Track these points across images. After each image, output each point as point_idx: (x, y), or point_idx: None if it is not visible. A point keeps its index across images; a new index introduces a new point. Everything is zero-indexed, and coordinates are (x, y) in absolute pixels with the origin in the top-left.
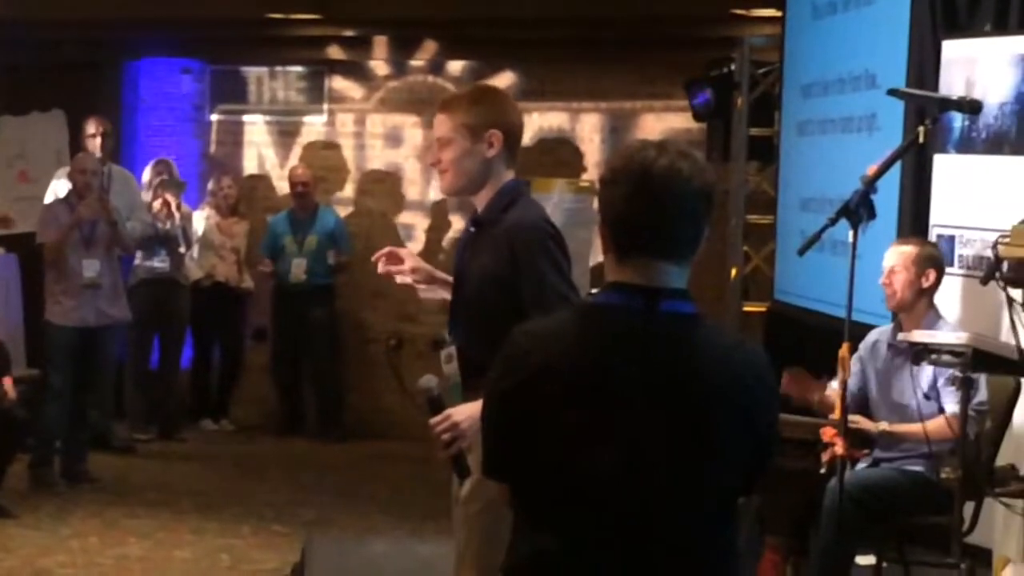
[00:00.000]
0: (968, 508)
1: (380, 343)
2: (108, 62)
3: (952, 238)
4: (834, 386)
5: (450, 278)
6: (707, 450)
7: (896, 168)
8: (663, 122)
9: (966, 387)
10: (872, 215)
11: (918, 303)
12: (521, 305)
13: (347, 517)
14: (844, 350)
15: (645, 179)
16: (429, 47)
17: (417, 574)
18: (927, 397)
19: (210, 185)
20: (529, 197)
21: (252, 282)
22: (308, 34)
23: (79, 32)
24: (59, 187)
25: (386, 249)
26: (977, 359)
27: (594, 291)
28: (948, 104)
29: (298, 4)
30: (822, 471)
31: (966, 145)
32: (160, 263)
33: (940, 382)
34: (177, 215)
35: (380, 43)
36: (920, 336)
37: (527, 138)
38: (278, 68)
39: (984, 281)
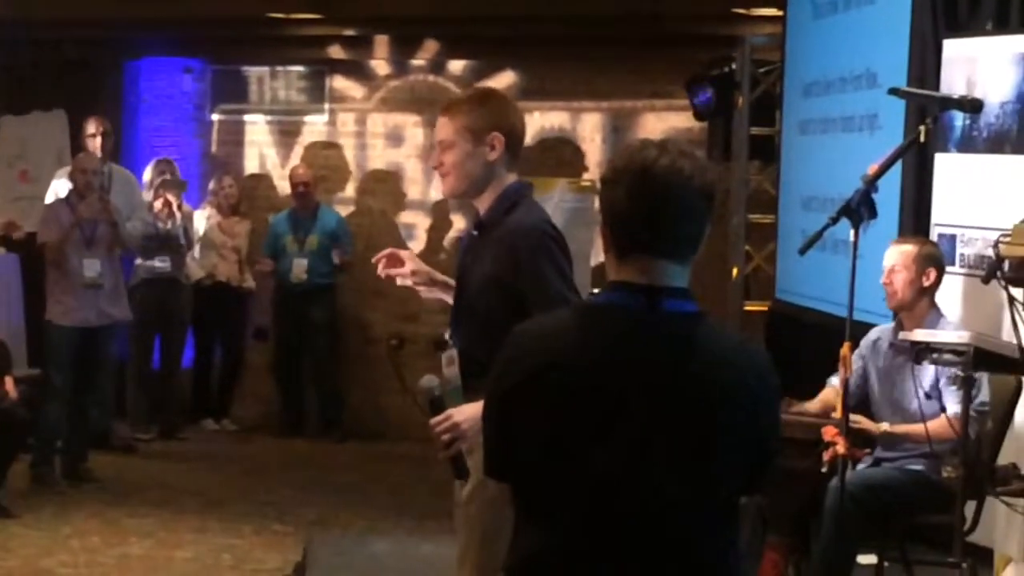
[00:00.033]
0: (970, 507)
1: (381, 343)
2: (109, 62)
3: (953, 237)
4: (834, 382)
5: (450, 280)
6: (709, 450)
7: (897, 167)
8: (664, 121)
9: (967, 386)
10: (873, 214)
11: (919, 302)
12: (523, 308)
13: (348, 516)
14: (845, 349)
15: (646, 178)
16: (430, 46)
17: (418, 573)
18: (928, 396)
19: (211, 185)
20: (532, 199)
21: (253, 282)
22: (309, 33)
23: (80, 32)
24: (60, 187)
25: (387, 251)
26: (978, 358)
27: (595, 291)
28: (949, 103)
29: (299, 3)
30: (824, 470)
31: (967, 144)
32: (161, 263)
33: (942, 382)
34: (178, 215)
35: (381, 42)
36: (921, 335)
37: (528, 138)
38: (279, 68)
39: (985, 280)
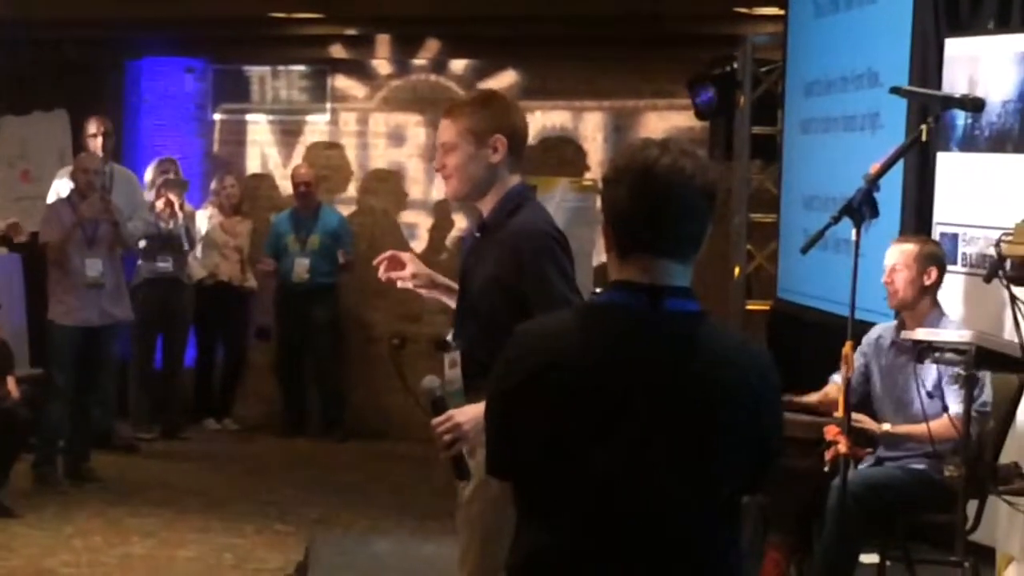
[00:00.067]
0: (972, 506)
1: (383, 342)
2: (111, 62)
3: (955, 236)
4: (836, 380)
5: (452, 283)
6: (710, 449)
7: (899, 166)
8: (666, 121)
9: (969, 385)
10: (875, 213)
11: (920, 301)
12: (526, 310)
13: (350, 516)
14: (847, 348)
15: (648, 178)
16: (432, 46)
17: (420, 573)
18: (931, 396)
19: (213, 184)
20: (535, 201)
21: (255, 281)
22: (311, 33)
23: (82, 32)
24: (61, 187)
25: (387, 253)
26: (980, 357)
27: (597, 291)
28: (951, 102)
29: (301, 3)
30: (825, 470)
31: (969, 143)
32: (163, 263)
33: (944, 381)
34: (180, 214)
35: (383, 42)
36: (923, 334)
37: (529, 137)
38: (281, 67)
39: (987, 279)
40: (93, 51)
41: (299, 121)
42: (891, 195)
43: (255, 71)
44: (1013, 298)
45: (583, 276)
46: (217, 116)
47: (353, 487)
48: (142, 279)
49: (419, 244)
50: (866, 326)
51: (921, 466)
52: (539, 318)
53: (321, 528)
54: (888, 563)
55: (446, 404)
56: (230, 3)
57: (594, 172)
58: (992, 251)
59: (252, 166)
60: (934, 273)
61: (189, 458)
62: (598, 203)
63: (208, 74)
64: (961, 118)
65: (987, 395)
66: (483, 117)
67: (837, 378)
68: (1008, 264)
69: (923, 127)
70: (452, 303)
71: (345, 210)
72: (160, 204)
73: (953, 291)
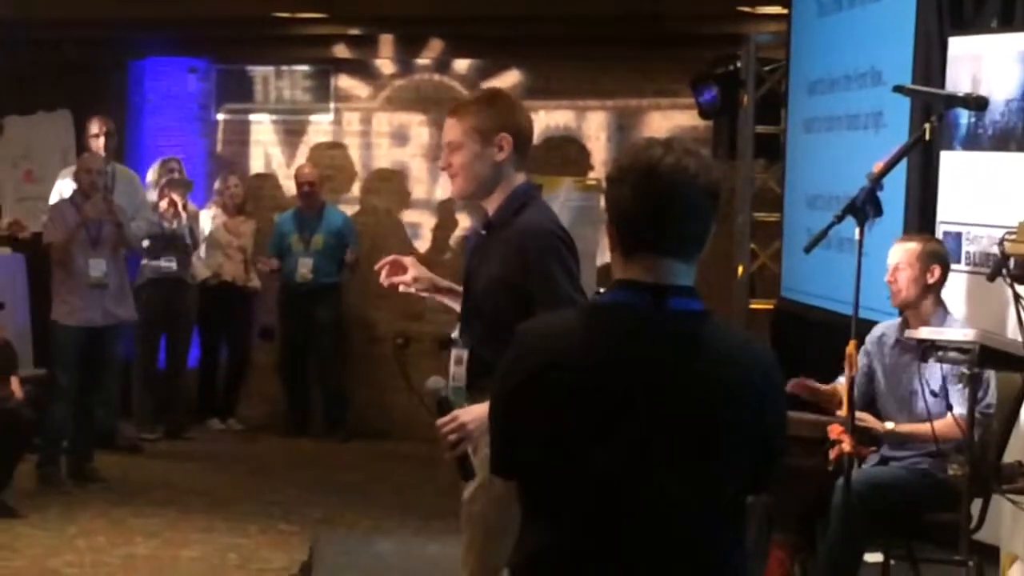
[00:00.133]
0: (976, 505)
1: (386, 342)
2: (114, 62)
3: (959, 235)
4: (842, 381)
5: (454, 285)
6: (713, 449)
7: (902, 165)
8: (669, 120)
9: (973, 384)
10: (879, 212)
11: (924, 300)
12: (531, 309)
13: (354, 516)
14: (851, 347)
15: (651, 177)
16: (435, 46)
17: (423, 572)
18: (934, 394)
19: (216, 184)
20: (540, 200)
21: (259, 281)
22: (314, 33)
23: (85, 32)
24: (64, 187)
25: (389, 258)
26: (984, 356)
27: (601, 290)
28: (954, 101)
29: (304, 3)
30: (829, 469)
31: (972, 142)
32: (167, 263)
33: (948, 380)
34: (184, 214)
35: (386, 42)
36: (927, 333)
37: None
38: (284, 67)
39: (991, 277)
40: (94, 51)
41: (302, 121)
42: (894, 194)
43: (258, 71)
44: (1017, 297)
45: (587, 276)
46: (220, 116)
47: (357, 487)
48: (146, 279)
49: (422, 244)
50: (870, 325)
51: (925, 465)
52: (543, 317)
53: (325, 528)
54: (892, 562)
55: (451, 404)
56: (233, 3)
57: (598, 172)
58: (996, 250)
59: (256, 166)
60: (937, 272)
61: (193, 458)
62: (602, 202)
63: (211, 74)
64: (964, 117)
65: (991, 397)
66: (488, 116)
67: (843, 380)
68: (1012, 262)
69: (926, 126)
70: (455, 305)
71: (348, 210)
72: (164, 204)
73: (956, 290)
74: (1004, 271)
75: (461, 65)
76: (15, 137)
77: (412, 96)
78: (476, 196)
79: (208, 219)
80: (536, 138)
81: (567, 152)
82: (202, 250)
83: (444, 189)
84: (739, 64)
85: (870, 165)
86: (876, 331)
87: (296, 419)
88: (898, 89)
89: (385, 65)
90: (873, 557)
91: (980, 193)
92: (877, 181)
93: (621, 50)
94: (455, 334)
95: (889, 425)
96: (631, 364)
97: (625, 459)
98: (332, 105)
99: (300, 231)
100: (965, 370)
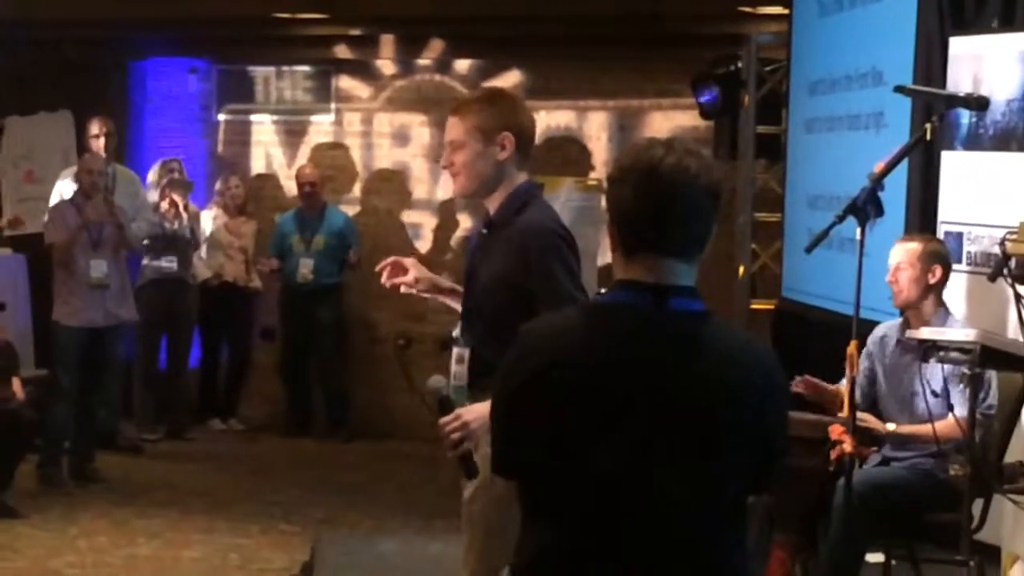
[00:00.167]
0: (977, 506)
1: (388, 342)
2: (115, 62)
3: (960, 235)
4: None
5: (455, 286)
6: (714, 449)
7: (903, 165)
8: (670, 120)
9: (974, 384)
10: (880, 212)
11: (925, 300)
12: (532, 308)
13: (356, 516)
14: (852, 347)
15: (653, 177)
16: (436, 46)
17: (425, 572)
18: (935, 395)
19: (218, 185)
20: (542, 199)
21: (260, 282)
22: (315, 33)
23: (86, 32)
24: (64, 188)
25: (390, 259)
26: (985, 356)
27: (602, 291)
28: (955, 101)
29: (305, 3)
30: (831, 469)
31: (973, 142)
32: (168, 263)
33: (949, 381)
34: (185, 215)
35: (387, 42)
36: (928, 333)
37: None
38: (285, 68)
39: (992, 277)
40: (95, 51)
41: (303, 121)
42: (895, 194)
43: (259, 71)
44: (1018, 297)
45: (588, 276)
46: (221, 116)
47: (358, 487)
48: (147, 280)
49: (423, 244)
50: (871, 325)
51: (926, 466)
52: (545, 317)
53: (326, 528)
54: (893, 562)
55: (452, 403)
56: (234, 3)
57: (599, 172)
58: (997, 250)
59: (256, 166)
60: (938, 272)
61: (194, 459)
62: (603, 203)
63: (212, 75)
64: (965, 117)
65: (992, 397)
66: (491, 115)
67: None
68: (1013, 262)
69: (927, 126)
70: (456, 306)
71: (349, 210)
72: (164, 205)
73: (957, 290)
74: (1005, 271)
75: (462, 65)
76: (16, 137)
77: (413, 96)
78: (478, 195)
79: (209, 219)
80: (537, 138)
81: (568, 152)
82: (203, 251)
83: (445, 189)
84: (740, 64)
85: (871, 165)
86: (878, 332)
87: (297, 419)
88: (899, 89)
89: (386, 65)
90: (874, 557)
91: (981, 193)
92: (878, 181)
93: (622, 50)
94: (456, 332)
95: (890, 426)
96: (632, 364)
97: (626, 459)
98: (333, 105)
99: (301, 231)
100: (966, 370)
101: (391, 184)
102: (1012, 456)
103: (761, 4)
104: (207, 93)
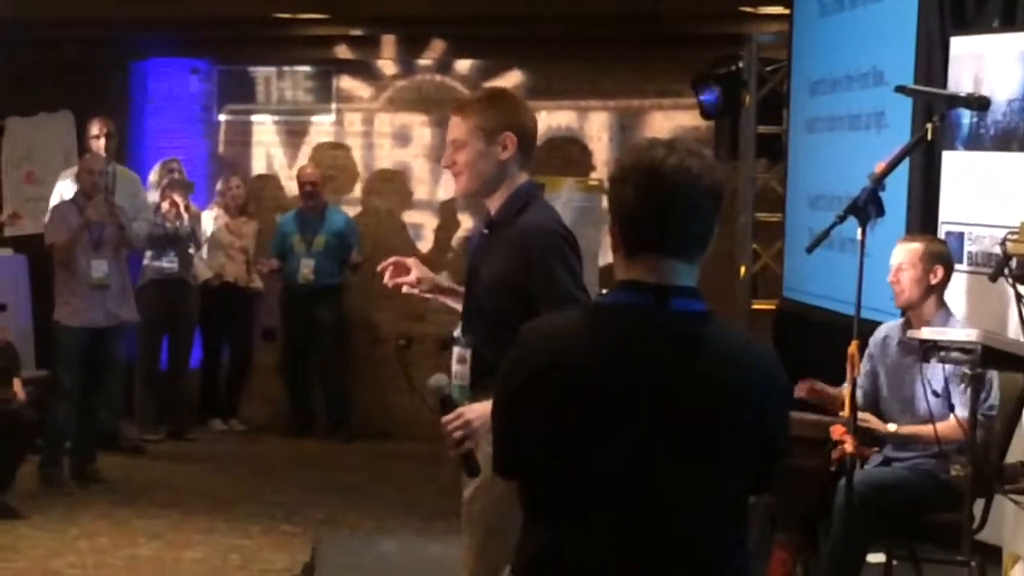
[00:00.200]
0: (978, 506)
1: (389, 343)
2: (115, 63)
3: (961, 235)
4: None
5: (456, 286)
6: (715, 449)
7: (904, 165)
8: (671, 120)
9: (976, 384)
10: (881, 212)
11: (927, 300)
12: (533, 308)
13: (357, 516)
14: (853, 347)
15: (654, 177)
16: (437, 46)
17: (426, 573)
18: (936, 395)
19: (218, 185)
20: (543, 200)
21: (261, 282)
22: (316, 33)
23: (86, 33)
24: (64, 188)
25: (392, 259)
26: (987, 356)
27: (604, 292)
28: (956, 101)
29: (306, 3)
30: (832, 469)
31: (974, 142)
32: (169, 263)
33: (951, 382)
34: (186, 215)
35: (388, 42)
36: (929, 333)
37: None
38: (286, 68)
39: (993, 278)
40: (96, 52)
41: (304, 122)
42: (896, 194)
43: (260, 72)
44: (1019, 296)
45: (589, 276)
46: (222, 117)
47: (359, 487)
48: (148, 280)
49: (424, 244)
50: (872, 325)
51: (928, 466)
52: (546, 317)
53: (327, 528)
54: (895, 562)
55: (454, 402)
56: (234, 4)
57: (600, 172)
58: (998, 250)
59: (257, 167)
60: (940, 272)
61: (195, 459)
62: (604, 203)
63: (213, 75)
64: (966, 117)
65: (994, 398)
66: (493, 115)
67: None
68: (1014, 262)
69: (928, 126)
70: (457, 306)
71: (350, 210)
72: (165, 205)
73: (958, 290)
74: (1006, 271)
75: (463, 65)
76: (16, 138)
77: (414, 97)
78: (479, 195)
79: (210, 220)
80: (538, 138)
81: (569, 152)
82: (204, 251)
83: (446, 190)
84: (741, 64)
85: (872, 165)
86: (879, 333)
87: (298, 420)
88: (900, 89)
89: (387, 66)
90: (875, 557)
91: (982, 193)
92: (879, 181)
93: (622, 50)
94: (457, 333)
95: (891, 426)
96: (633, 364)
97: (627, 459)
98: (334, 106)
99: (302, 232)
100: (967, 370)
101: (392, 184)
102: (1013, 456)
103: (762, 4)
104: (208, 93)
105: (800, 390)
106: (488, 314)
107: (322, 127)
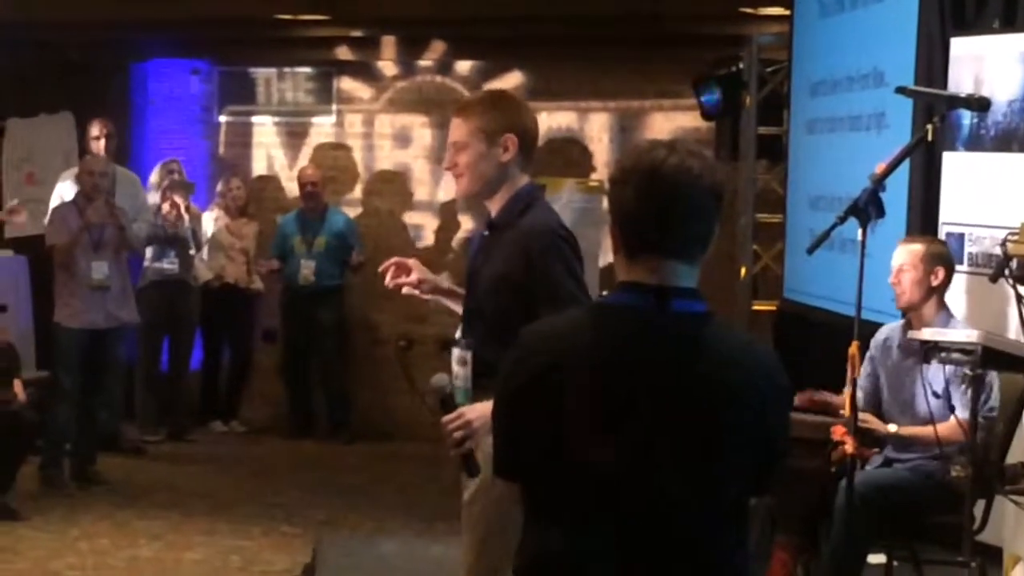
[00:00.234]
0: (979, 507)
1: (389, 344)
2: (116, 64)
3: (961, 235)
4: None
5: (457, 288)
6: (715, 450)
7: (905, 166)
8: (671, 121)
9: (976, 384)
10: (881, 213)
11: (928, 302)
12: (533, 309)
13: (357, 517)
14: (854, 349)
15: (655, 178)
16: (437, 47)
17: (426, 574)
18: (936, 395)
19: (219, 186)
20: (544, 201)
21: (261, 283)
22: (316, 35)
23: (87, 34)
24: (64, 190)
25: (393, 260)
26: (987, 357)
27: (604, 293)
28: (956, 101)
29: (306, 5)
30: (833, 470)
31: (975, 142)
32: (169, 265)
33: (951, 383)
34: (186, 217)
35: (388, 43)
36: (930, 334)
37: None
38: (286, 69)
39: (993, 278)
40: (96, 53)
41: (305, 123)
42: (897, 195)
43: (260, 73)
44: (1019, 297)
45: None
46: (223, 118)
47: (359, 488)
48: (148, 281)
49: (425, 245)
50: (872, 326)
51: (929, 467)
52: (547, 318)
53: (328, 530)
54: (895, 563)
55: (455, 402)
56: (235, 5)
57: (600, 173)
58: (998, 251)
59: (258, 168)
60: (941, 273)
61: (195, 460)
62: (604, 204)
63: (213, 76)
64: (967, 117)
65: (994, 399)
66: (494, 116)
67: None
68: (1014, 263)
69: (929, 127)
70: (457, 308)
71: (351, 211)
72: (166, 207)
73: (958, 291)
74: (1006, 272)
75: (463, 66)
76: (17, 139)
77: (414, 98)
78: (481, 196)
79: (210, 221)
80: (538, 139)
81: (569, 153)
82: (204, 252)
83: (446, 191)
84: (741, 65)
85: (872, 166)
86: (880, 335)
87: (299, 421)
88: (900, 90)
89: (387, 67)
90: (876, 558)
91: (982, 194)
92: (879, 182)
93: (623, 51)
94: (457, 334)
95: (892, 427)
96: (634, 365)
97: (628, 460)
98: (334, 107)
99: (303, 233)
100: (968, 371)
101: (392, 185)
102: (1014, 457)
103: (762, 5)
104: (208, 94)
105: (801, 402)
106: (489, 316)
107: (323, 128)
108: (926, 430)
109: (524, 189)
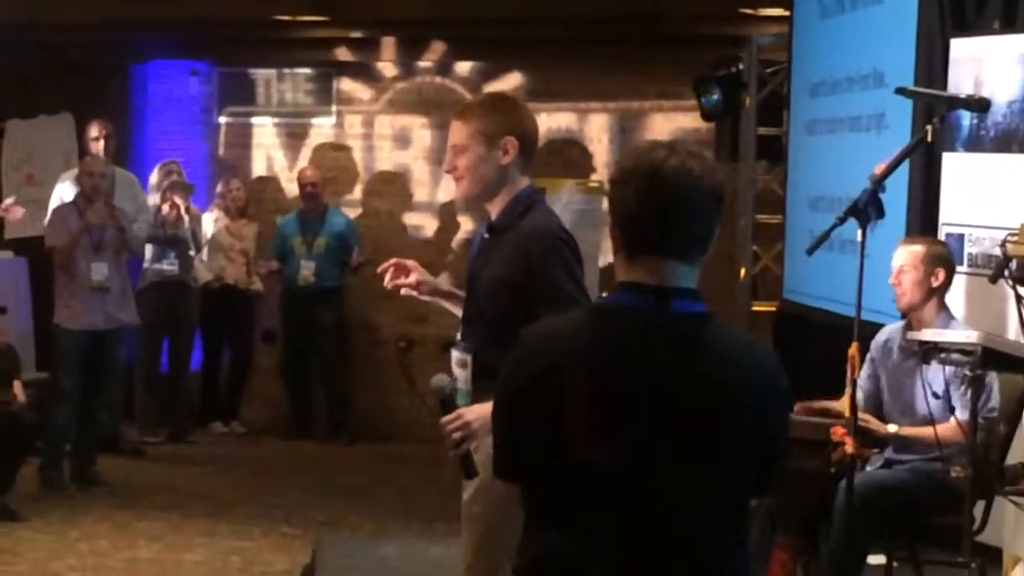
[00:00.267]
0: (979, 508)
1: (389, 345)
2: (116, 65)
3: (961, 236)
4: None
5: (456, 290)
6: (715, 451)
7: (905, 167)
8: (671, 122)
9: (976, 385)
10: (881, 214)
11: (928, 303)
12: (534, 310)
13: (357, 519)
14: (854, 349)
15: (655, 179)
16: (437, 48)
17: (427, 575)
18: (936, 396)
19: (219, 187)
20: (544, 204)
21: (261, 284)
22: (316, 36)
23: (87, 35)
24: (64, 191)
25: (392, 261)
26: (987, 358)
27: (604, 294)
28: (956, 102)
29: (306, 6)
30: (832, 471)
31: (974, 143)
32: (169, 266)
33: (951, 384)
34: (186, 218)
35: (388, 44)
36: (930, 335)
37: None
38: (286, 70)
39: (993, 279)
40: (96, 54)
41: (304, 124)
42: (897, 196)
43: (260, 74)
44: (1019, 298)
45: (589, 278)
46: (222, 119)
47: (360, 489)
48: (148, 283)
49: (424, 246)
50: (872, 327)
51: (929, 468)
52: (547, 320)
53: (328, 531)
54: (895, 564)
55: (454, 403)
56: (235, 6)
57: (600, 174)
58: (998, 251)
59: (258, 169)
60: (941, 274)
61: (195, 461)
62: (604, 205)
63: (213, 77)
64: (966, 118)
65: (994, 400)
66: (494, 119)
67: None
68: (1014, 264)
69: (928, 127)
70: (457, 310)
71: (351, 212)
72: (166, 208)
73: (958, 291)
74: (1006, 273)
75: (463, 67)
76: (17, 140)
77: (414, 99)
78: (481, 199)
79: (210, 222)
80: (538, 141)
81: (569, 154)
82: (204, 253)
83: (446, 192)
84: (741, 66)
85: (872, 167)
86: (880, 336)
87: (299, 422)
88: (900, 91)
89: (387, 68)
90: (876, 559)
91: (982, 195)
92: (879, 183)
93: (623, 52)
94: (458, 336)
95: (892, 428)
96: (634, 366)
97: (628, 461)
98: (334, 108)
99: (303, 234)
100: (968, 372)
101: (392, 186)
102: (1014, 458)
103: (762, 6)
104: (208, 95)
105: (799, 413)
106: (489, 317)
107: (322, 129)
108: (926, 431)
109: (524, 192)
